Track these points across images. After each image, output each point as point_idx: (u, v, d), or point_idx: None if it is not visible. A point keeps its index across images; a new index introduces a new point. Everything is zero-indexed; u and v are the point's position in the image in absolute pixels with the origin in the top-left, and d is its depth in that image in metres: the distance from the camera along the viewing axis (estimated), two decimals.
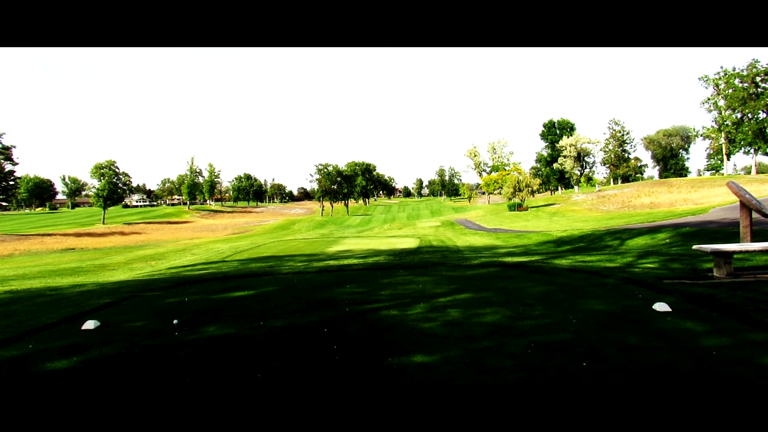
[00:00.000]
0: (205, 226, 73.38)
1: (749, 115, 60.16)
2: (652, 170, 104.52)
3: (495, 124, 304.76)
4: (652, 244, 15.31)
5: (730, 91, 61.36)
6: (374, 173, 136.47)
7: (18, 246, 41.97)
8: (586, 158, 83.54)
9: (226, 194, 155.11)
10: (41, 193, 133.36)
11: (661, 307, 5.03)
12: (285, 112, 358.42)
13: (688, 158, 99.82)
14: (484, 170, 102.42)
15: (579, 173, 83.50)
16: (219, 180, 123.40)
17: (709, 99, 64.71)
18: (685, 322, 4.53)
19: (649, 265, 9.32)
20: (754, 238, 9.98)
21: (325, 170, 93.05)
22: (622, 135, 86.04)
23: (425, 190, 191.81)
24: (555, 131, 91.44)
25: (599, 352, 3.72)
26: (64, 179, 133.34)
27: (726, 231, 15.26)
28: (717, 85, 63.36)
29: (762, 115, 59.65)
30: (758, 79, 58.90)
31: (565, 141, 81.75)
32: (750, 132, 59.64)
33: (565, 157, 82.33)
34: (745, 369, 3.24)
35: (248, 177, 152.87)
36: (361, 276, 9.03)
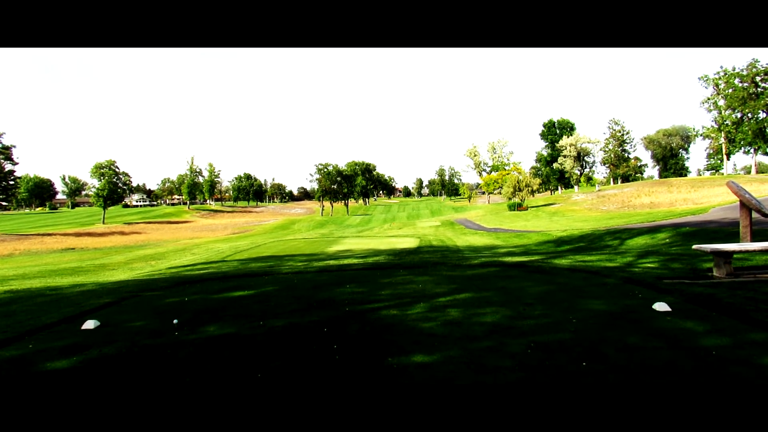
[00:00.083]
0: (205, 225, 73.38)
1: (749, 114, 60.15)
2: (652, 170, 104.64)
3: (495, 124, 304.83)
4: (652, 244, 15.31)
5: (730, 90, 61.34)
6: (374, 173, 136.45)
7: (18, 246, 41.96)
8: (586, 158, 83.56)
9: (226, 194, 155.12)
10: (41, 192, 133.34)
11: (661, 306, 5.03)
12: (285, 112, 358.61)
13: (688, 158, 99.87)
14: (484, 170, 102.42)
15: (579, 173, 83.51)
16: (219, 180, 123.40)
17: (708, 99, 64.70)
18: (685, 321, 4.53)
19: (649, 265, 9.32)
20: (754, 237, 9.98)
21: (325, 170, 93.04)
22: (622, 135, 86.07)
23: (425, 190, 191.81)
24: (555, 131, 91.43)
25: (599, 352, 3.72)
26: (64, 179, 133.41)
27: (726, 231, 15.27)
28: (717, 85, 63.33)
29: (762, 115, 59.64)
30: (758, 78, 58.87)
31: (565, 141, 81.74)
32: (750, 132, 59.63)
33: (565, 156, 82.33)
34: (745, 369, 3.24)
35: (248, 177, 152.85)
36: (361, 276, 9.03)
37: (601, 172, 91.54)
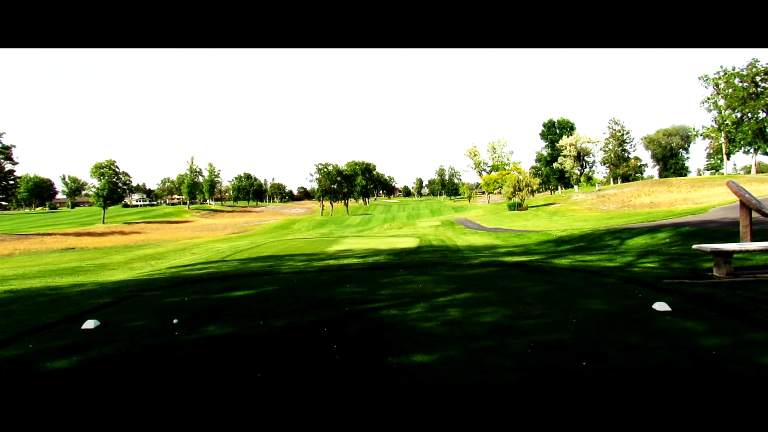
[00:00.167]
0: (205, 225, 73.37)
1: (749, 114, 60.13)
2: (651, 170, 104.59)
3: (495, 123, 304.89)
4: (652, 244, 15.31)
5: (730, 90, 61.32)
6: (374, 173, 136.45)
7: (18, 245, 41.95)
8: (585, 158, 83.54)
9: (226, 194, 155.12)
10: (41, 192, 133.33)
11: (660, 306, 5.03)
12: (285, 112, 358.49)
13: (688, 158, 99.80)
14: (484, 170, 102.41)
15: (579, 173, 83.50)
16: (219, 179, 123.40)
17: (708, 98, 64.67)
18: (684, 321, 4.53)
19: (649, 265, 9.32)
20: (754, 237, 9.98)
21: (325, 170, 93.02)
22: (622, 134, 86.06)
23: (425, 190, 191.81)
24: (555, 131, 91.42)
25: (599, 352, 3.72)
26: (63, 179, 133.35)
27: (726, 230, 15.27)
28: (717, 85, 63.31)
29: (762, 115, 59.62)
30: (758, 78, 58.85)
31: (565, 140, 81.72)
32: (750, 131, 59.61)
33: (565, 156, 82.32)
34: (745, 368, 3.24)
35: (248, 176, 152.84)
36: (361, 275, 9.03)
37: (601, 171, 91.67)
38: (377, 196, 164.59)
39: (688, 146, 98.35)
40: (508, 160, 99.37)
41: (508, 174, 77.36)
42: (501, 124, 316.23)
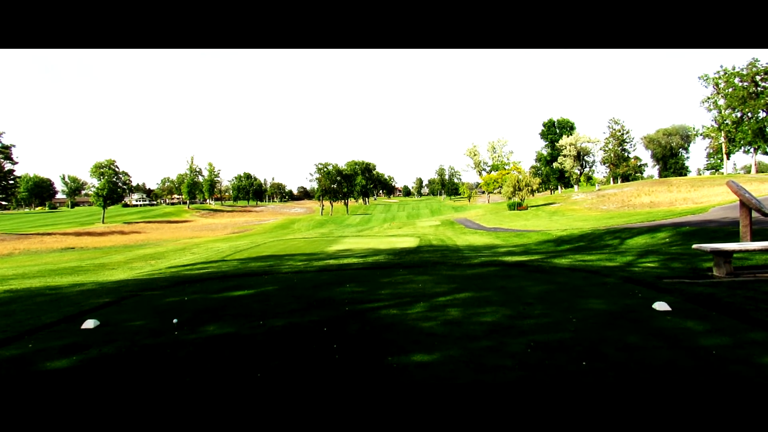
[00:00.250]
0: (205, 225, 73.35)
1: (749, 114, 60.10)
2: (651, 169, 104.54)
3: (495, 123, 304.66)
4: (652, 244, 15.31)
5: (730, 90, 61.30)
6: (374, 172, 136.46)
7: (18, 245, 41.94)
8: (585, 157, 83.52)
9: (226, 193, 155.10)
10: (41, 192, 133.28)
11: (660, 306, 5.03)
12: (285, 112, 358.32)
13: (687, 157, 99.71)
14: (484, 169, 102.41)
15: (579, 172, 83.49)
16: (219, 179, 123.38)
17: (708, 98, 64.65)
18: (684, 321, 4.53)
19: (649, 265, 9.32)
20: (754, 237, 9.98)
21: (325, 169, 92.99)
22: (622, 134, 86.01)
23: (425, 190, 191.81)
24: (555, 130, 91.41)
25: (599, 351, 3.72)
26: (63, 178, 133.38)
27: (726, 230, 15.27)
28: (717, 84, 63.29)
29: (762, 114, 59.60)
30: (758, 78, 58.83)
31: (564, 140, 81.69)
32: (750, 131, 59.61)
33: (564, 156, 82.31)
34: (745, 368, 3.24)
35: (248, 176, 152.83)
36: (361, 275, 9.03)
37: (600, 171, 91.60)
38: (377, 195, 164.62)
39: (688, 146, 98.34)
40: (508, 159, 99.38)
41: (508, 174, 77.34)
42: (501, 124, 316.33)
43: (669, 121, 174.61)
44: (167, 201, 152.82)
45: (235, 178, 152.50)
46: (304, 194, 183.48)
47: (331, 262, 13.00)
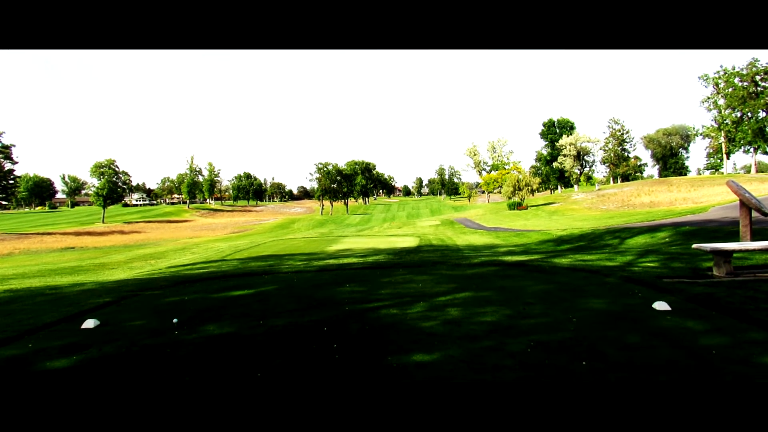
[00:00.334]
0: (205, 224, 73.35)
1: (749, 114, 60.11)
2: (651, 169, 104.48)
3: (495, 123, 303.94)
4: (652, 243, 15.31)
5: (730, 90, 61.30)
6: (374, 172, 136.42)
7: (18, 245, 41.93)
8: (585, 157, 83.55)
9: (226, 193, 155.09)
10: (41, 192, 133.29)
11: (660, 306, 5.03)
12: (285, 112, 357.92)
13: (687, 157, 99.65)
14: (484, 169, 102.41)
15: (579, 172, 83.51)
16: (219, 179, 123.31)
17: (708, 98, 64.65)
18: (684, 321, 4.53)
19: (649, 264, 9.32)
20: (754, 237, 9.97)
21: (325, 169, 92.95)
22: (622, 134, 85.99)
23: (425, 189, 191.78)
24: (555, 130, 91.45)
25: (599, 351, 3.72)
26: (63, 178, 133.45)
27: (725, 230, 15.27)
28: (717, 84, 63.29)
29: (762, 114, 59.60)
30: (758, 78, 58.83)
31: (564, 140, 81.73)
32: (750, 131, 59.61)
33: (564, 156, 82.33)
34: (744, 368, 3.24)
35: (248, 176, 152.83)
36: (361, 275, 9.03)
37: (600, 171, 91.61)
38: (377, 195, 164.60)
39: (688, 146, 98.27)
40: (507, 159, 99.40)
41: (507, 173, 77.34)
42: (501, 123, 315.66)
43: (669, 121, 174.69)
44: (167, 201, 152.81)
45: (235, 177, 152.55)
46: (304, 194, 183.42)
47: (331, 261, 13.00)
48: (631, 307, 5.19)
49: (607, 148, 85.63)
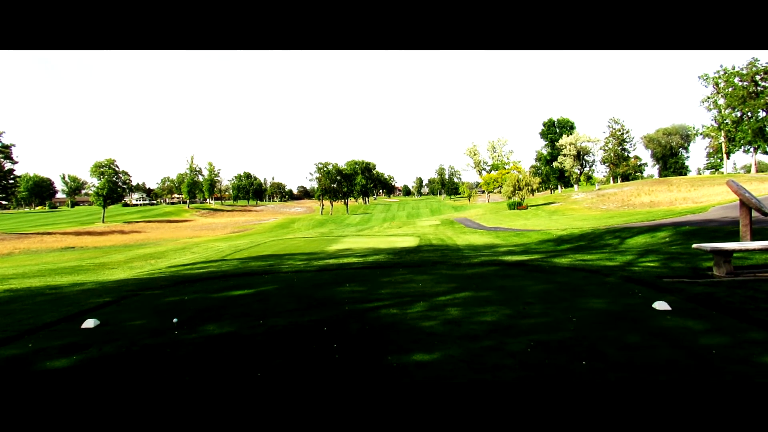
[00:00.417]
0: (205, 224, 73.37)
1: (749, 113, 60.11)
2: (651, 169, 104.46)
3: (495, 123, 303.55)
4: (652, 243, 15.31)
5: (730, 89, 61.29)
6: (374, 172, 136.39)
7: (18, 245, 41.94)
8: (585, 157, 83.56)
9: (226, 193, 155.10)
10: (41, 191, 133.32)
11: (660, 305, 5.03)
12: (285, 112, 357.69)
13: (687, 157, 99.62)
14: (484, 169, 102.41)
15: (579, 172, 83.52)
16: (219, 179, 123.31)
17: (708, 98, 64.65)
18: (684, 320, 4.53)
19: (649, 264, 9.32)
20: (754, 236, 9.98)
21: (325, 169, 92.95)
22: (622, 134, 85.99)
23: (425, 189, 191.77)
24: (555, 130, 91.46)
25: (599, 351, 3.72)
26: (63, 178, 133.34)
27: (726, 229, 15.27)
28: (717, 84, 63.29)
29: (762, 114, 59.60)
30: (758, 77, 58.82)
31: (564, 140, 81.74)
32: (750, 130, 59.62)
33: (564, 155, 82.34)
34: (744, 367, 3.24)
35: (248, 176, 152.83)
36: (361, 275, 9.03)
37: (600, 171, 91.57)
38: (377, 195, 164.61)
39: (688, 145, 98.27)
40: (507, 159, 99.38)
41: (507, 173, 77.32)
42: (501, 123, 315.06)
43: (669, 121, 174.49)
44: (167, 200, 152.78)
45: (235, 177, 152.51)
46: (304, 194, 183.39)
47: (331, 261, 13.00)
48: (631, 307, 5.19)
49: (607, 148, 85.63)
